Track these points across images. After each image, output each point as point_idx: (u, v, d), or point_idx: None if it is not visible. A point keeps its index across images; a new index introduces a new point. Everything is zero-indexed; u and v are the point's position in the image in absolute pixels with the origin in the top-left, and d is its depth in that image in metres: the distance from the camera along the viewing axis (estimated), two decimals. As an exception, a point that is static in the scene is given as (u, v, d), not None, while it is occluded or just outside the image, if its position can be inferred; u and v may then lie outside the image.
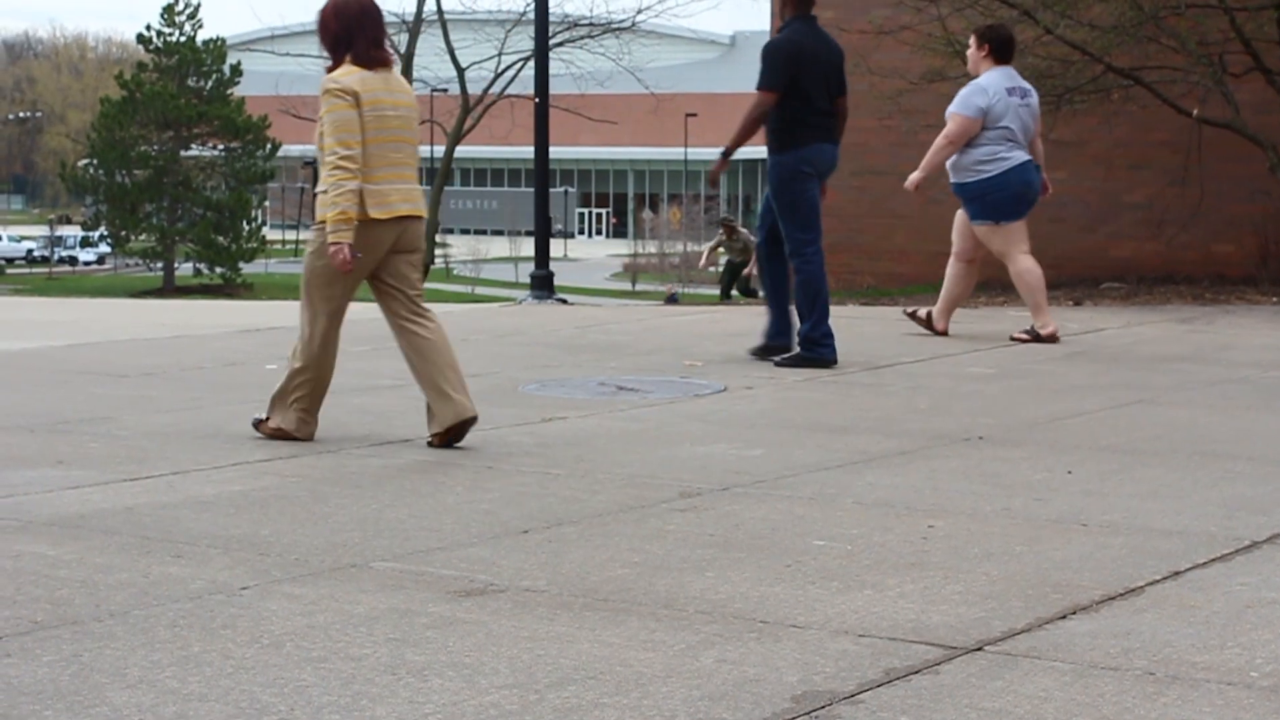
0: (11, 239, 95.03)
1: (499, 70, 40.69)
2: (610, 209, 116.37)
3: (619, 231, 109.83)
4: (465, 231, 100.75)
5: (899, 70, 17.36)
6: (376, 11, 7.47)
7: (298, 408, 7.56)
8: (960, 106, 11.56)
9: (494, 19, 42.21)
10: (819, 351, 10.28)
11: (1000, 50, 11.70)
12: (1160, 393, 9.18)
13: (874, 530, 5.64)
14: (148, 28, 77.04)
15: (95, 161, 76.18)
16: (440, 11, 41.01)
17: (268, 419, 7.62)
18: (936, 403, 8.76)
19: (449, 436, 7.36)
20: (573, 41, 39.65)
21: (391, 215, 7.33)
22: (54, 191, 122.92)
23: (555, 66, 24.07)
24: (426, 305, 7.53)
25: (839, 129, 10.65)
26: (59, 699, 3.87)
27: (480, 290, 67.86)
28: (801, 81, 10.32)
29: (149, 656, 4.19)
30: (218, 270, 74.04)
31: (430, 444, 7.39)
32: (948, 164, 11.72)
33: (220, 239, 74.25)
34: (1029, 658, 4.18)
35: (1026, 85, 11.87)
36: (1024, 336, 11.75)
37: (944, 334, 12.01)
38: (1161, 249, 17.81)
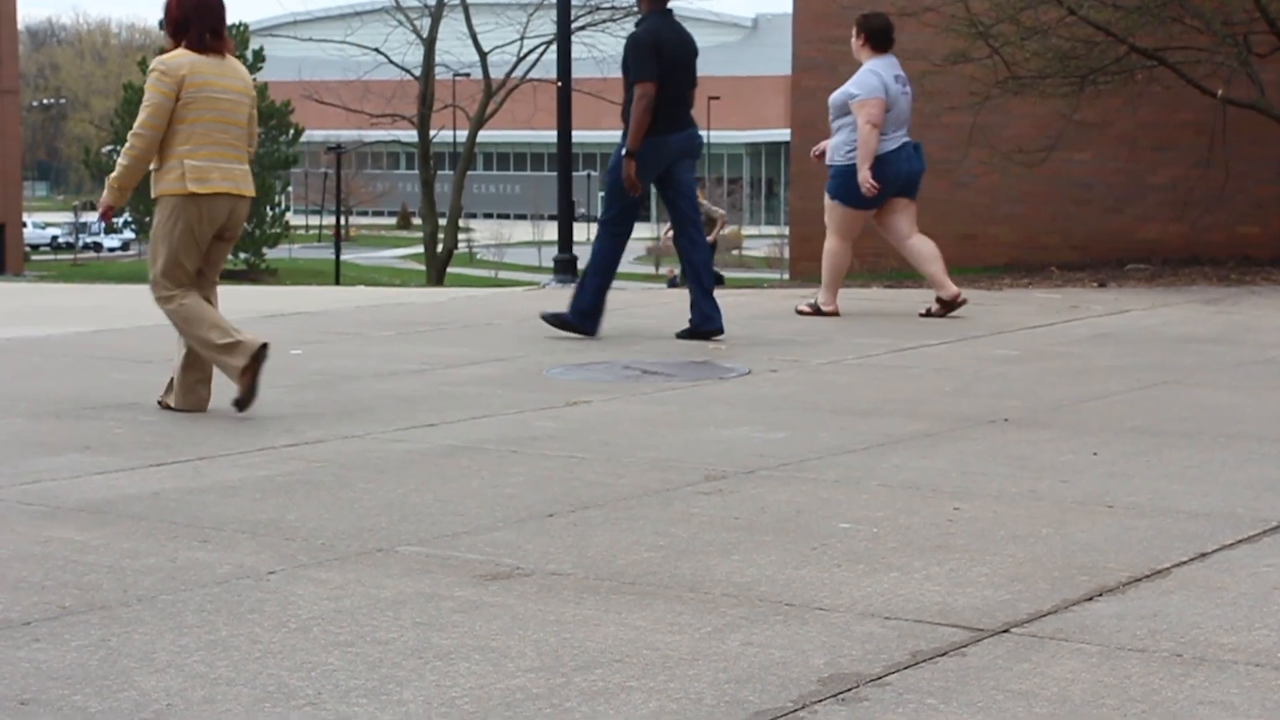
0: (36, 226, 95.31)
1: (521, 54, 40.66)
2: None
3: (641, 215, 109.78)
4: (488, 216, 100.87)
5: (922, 52, 17.29)
6: (216, 2, 8.00)
7: (200, 386, 8.02)
8: (866, 91, 11.87)
9: (516, 3, 42.15)
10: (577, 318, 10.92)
11: (875, 39, 12.05)
12: (1186, 374, 9.15)
13: (899, 513, 5.64)
14: (170, 14, 77.15)
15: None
16: (462, -5, 40.99)
17: (167, 399, 8.06)
18: (962, 385, 8.74)
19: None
20: (595, 25, 39.61)
21: (210, 191, 7.92)
22: (78, 178, 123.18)
23: (577, 50, 24.06)
24: (216, 288, 8.31)
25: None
26: (88, 683, 3.88)
27: (503, 274, 67.96)
28: (663, 72, 10.76)
29: (177, 641, 4.20)
30: (242, 256, 74.23)
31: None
32: (830, 143, 12.20)
33: (244, 225, 74.43)
34: (1055, 640, 4.17)
35: (905, 75, 12.21)
36: (807, 310, 12.31)
37: (959, 300, 12.13)
38: (1186, 230, 17.75)
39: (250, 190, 8.19)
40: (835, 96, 12.13)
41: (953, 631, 4.24)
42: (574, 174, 18.82)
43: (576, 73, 19.26)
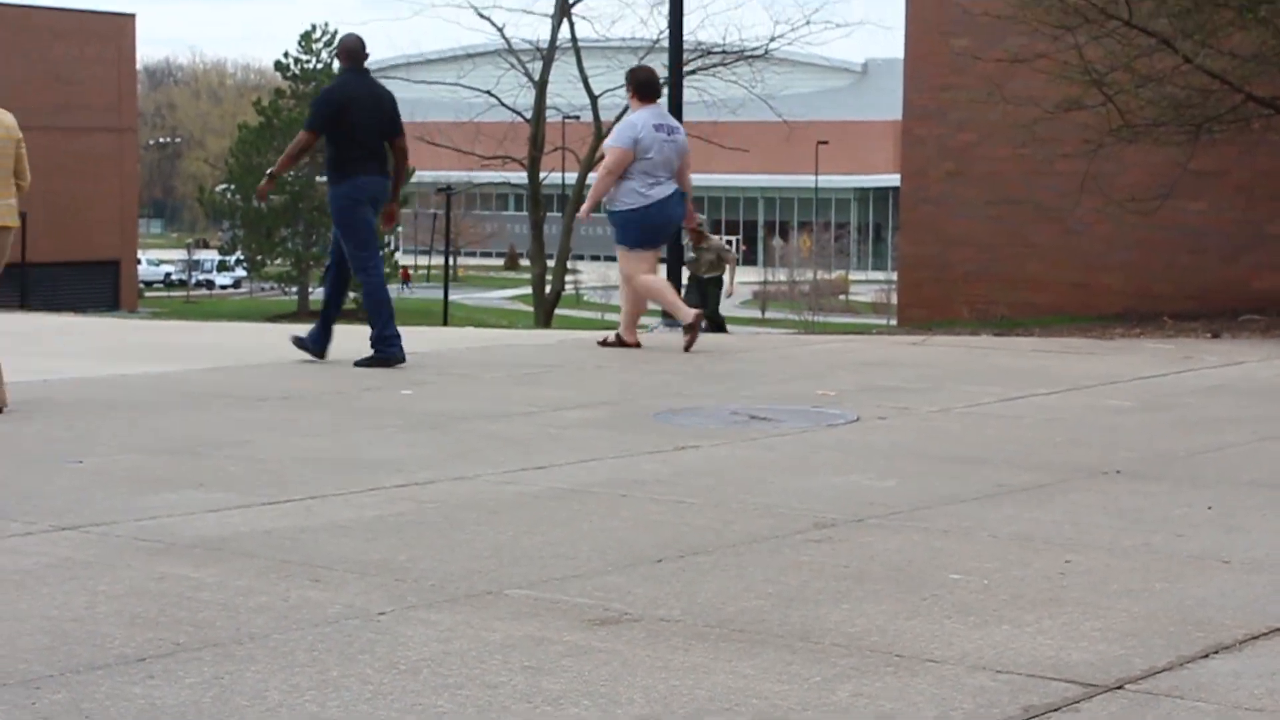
0: (150, 263, 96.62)
1: (632, 98, 40.81)
2: (740, 236, 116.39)
3: (749, 259, 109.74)
4: (595, 258, 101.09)
5: (1034, 99, 17.23)
6: None
7: None
8: (615, 140, 13.09)
9: (627, 47, 42.21)
10: (388, 351, 11.84)
11: (642, 91, 13.14)
12: (1303, 427, 9.01)
13: (1011, 564, 5.59)
14: (285, 54, 78.20)
15: (232, 186, 77.29)
16: (574, 39, 41.15)
17: None
18: (1073, 435, 8.66)
19: None
20: (706, 69, 39.65)
21: None
22: (192, 216, 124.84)
23: (688, 94, 24.09)
24: None
25: (399, 165, 12.37)
26: (201, 721, 3.91)
27: (610, 316, 68.04)
28: (349, 124, 11.89)
29: (289, 680, 4.23)
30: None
31: None
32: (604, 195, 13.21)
33: (354, 264, 75.06)
34: (1171, 697, 4.12)
35: (674, 123, 13.30)
36: (612, 340, 13.35)
37: (637, 345, 13.25)
38: (1304, 281, 17.52)
39: (14, 222, 9.41)
40: (606, 145, 13.43)
41: (1066, 687, 4.20)
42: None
43: (687, 116, 19.29)
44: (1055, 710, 4.02)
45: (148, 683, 4.21)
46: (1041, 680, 4.25)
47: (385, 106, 12.12)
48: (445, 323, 48.71)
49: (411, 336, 16.48)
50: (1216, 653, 4.51)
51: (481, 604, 5.03)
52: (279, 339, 14.59)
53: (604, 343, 13.42)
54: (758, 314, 76.43)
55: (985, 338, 15.03)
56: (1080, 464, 7.70)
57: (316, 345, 12.20)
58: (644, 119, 12.94)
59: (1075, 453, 8.07)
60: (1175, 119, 16.68)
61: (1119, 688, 4.20)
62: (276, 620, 4.82)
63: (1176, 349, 13.51)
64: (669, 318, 17.41)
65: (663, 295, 13.41)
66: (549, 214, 48.40)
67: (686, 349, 12.84)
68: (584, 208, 13.85)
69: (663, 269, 16.23)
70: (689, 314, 13.03)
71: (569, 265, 46.20)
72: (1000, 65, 17.71)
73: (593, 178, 41.77)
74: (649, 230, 13.10)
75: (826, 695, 4.13)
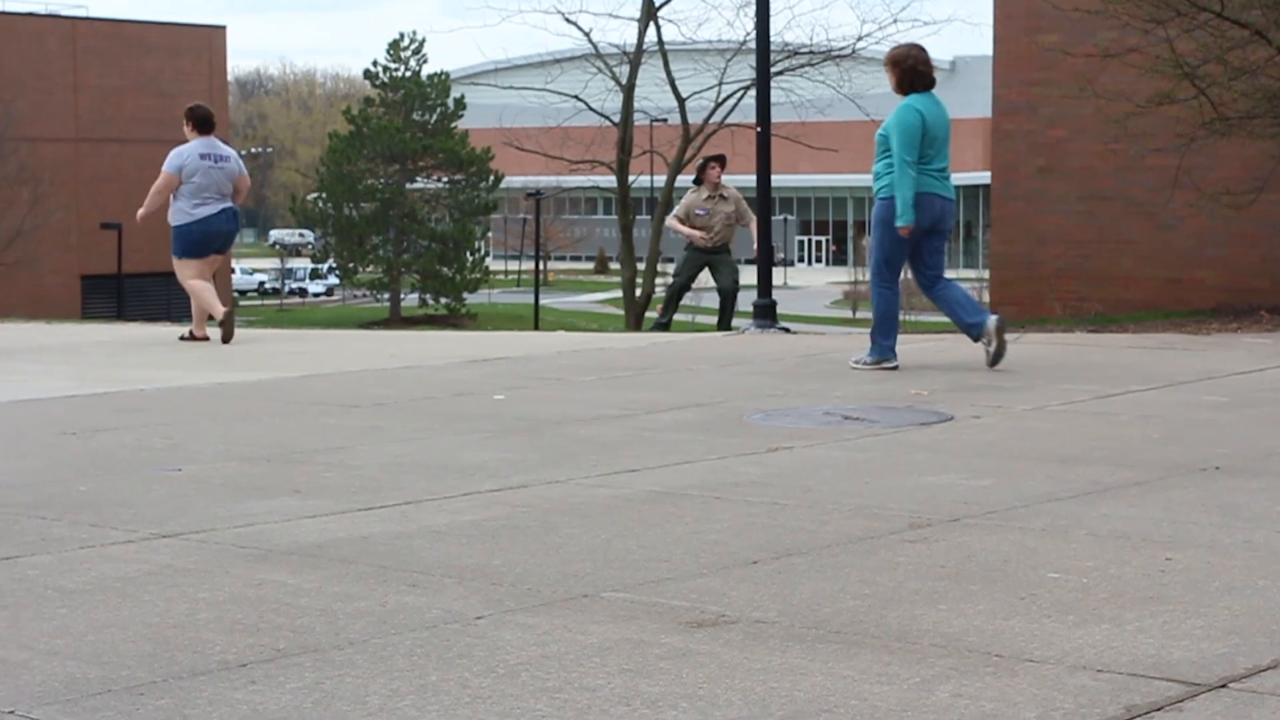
0: (244, 272, 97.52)
1: (719, 100, 40.75)
2: (830, 236, 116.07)
3: (838, 259, 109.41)
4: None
5: (1125, 93, 17.09)
6: None
7: None
8: (166, 166, 15.32)
9: (714, 49, 42.18)
10: None
11: (199, 124, 15.55)
12: (1405, 421, 8.89)
13: (1110, 563, 5.54)
14: (374, 63, 78.77)
15: (324, 195, 77.87)
16: (660, 42, 41.09)
17: None
18: (1170, 432, 8.58)
19: None
20: (793, 70, 39.51)
21: None
22: (285, 224, 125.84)
23: (775, 95, 23.98)
24: None
25: None
26: (302, 726, 3.94)
27: (701, 319, 68.03)
28: None
29: (388, 685, 4.26)
30: (442, 301, 75.26)
31: None
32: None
33: (445, 270, 75.55)
34: (1276, 696, 4.07)
35: (225, 152, 15.60)
36: (187, 336, 15.62)
37: (205, 339, 15.36)
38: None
39: None
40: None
41: (1168, 686, 4.16)
42: (772, 218, 18.77)
43: (774, 117, 19.24)
44: (1158, 710, 3.98)
45: (249, 688, 4.25)
46: (1143, 679, 4.21)
47: None
48: (536, 327, 48.86)
49: (503, 341, 16.59)
50: (1321, 650, 4.45)
51: (578, 607, 5.04)
52: (371, 345, 14.71)
53: (183, 338, 15.66)
54: (849, 314, 76.10)
55: (1079, 335, 14.92)
56: (1178, 461, 7.63)
57: None
58: (192, 149, 15.32)
59: (1173, 450, 7.99)
60: (1269, 111, 16.50)
61: (1222, 686, 4.15)
62: (375, 625, 4.85)
63: (1274, 344, 13.36)
64: (760, 319, 17.41)
65: (202, 295, 15.29)
66: (638, 217, 48.45)
67: (224, 341, 14.98)
68: (140, 214, 15.73)
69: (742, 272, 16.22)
70: (220, 310, 15.03)
71: (659, 268, 46.19)
72: (1090, 60, 17.58)
73: (619, 179, 42.05)
74: (194, 242, 15.36)
75: (926, 696, 4.11)
